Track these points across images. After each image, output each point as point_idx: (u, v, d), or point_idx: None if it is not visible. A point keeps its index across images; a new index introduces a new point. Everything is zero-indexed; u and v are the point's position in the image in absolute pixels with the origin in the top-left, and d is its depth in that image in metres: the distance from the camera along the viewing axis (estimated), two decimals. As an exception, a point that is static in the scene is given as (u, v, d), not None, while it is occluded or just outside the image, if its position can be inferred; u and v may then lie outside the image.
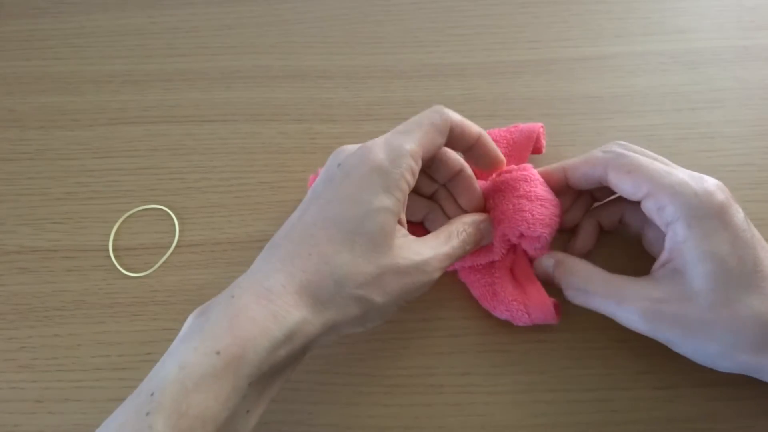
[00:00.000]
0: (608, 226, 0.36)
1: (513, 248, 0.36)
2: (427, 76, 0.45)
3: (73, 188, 0.41)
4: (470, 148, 0.33)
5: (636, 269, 0.33)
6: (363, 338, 0.35)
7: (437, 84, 0.44)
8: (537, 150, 0.39)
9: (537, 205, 0.34)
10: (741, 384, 0.34)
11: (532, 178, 0.35)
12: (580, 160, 0.33)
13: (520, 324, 0.34)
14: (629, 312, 0.30)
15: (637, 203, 0.32)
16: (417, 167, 0.29)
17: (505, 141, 0.39)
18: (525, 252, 0.36)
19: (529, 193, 0.34)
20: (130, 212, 0.39)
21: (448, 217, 0.35)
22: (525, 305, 0.33)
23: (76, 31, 0.48)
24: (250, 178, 0.41)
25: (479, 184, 0.37)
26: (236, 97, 0.44)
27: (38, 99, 0.45)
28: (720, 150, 0.41)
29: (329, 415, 0.34)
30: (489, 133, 0.39)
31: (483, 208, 0.35)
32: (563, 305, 0.35)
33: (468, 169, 0.34)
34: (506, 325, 0.35)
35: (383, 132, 0.42)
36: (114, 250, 0.39)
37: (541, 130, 0.39)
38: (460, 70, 0.45)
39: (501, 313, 0.34)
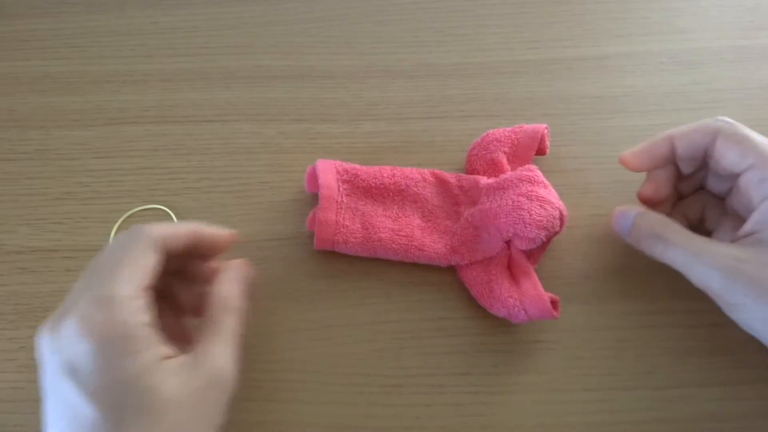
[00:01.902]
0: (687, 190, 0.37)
1: (509, 243, 0.36)
2: (427, 76, 0.45)
3: (73, 188, 0.41)
4: (191, 247, 0.30)
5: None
6: (363, 338, 0.35)
7: (437, 84, 0.44)
8: (541, 151, 0.40)
9: (536, 206, 0.34)
10: (741, 384, 0.34)
11: (537, 180, 0.35)
12: (690, 128, 0.33)
13: (518, 321, 0.34)
14: (707, 266, 0.30)
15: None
16: (145, 301, 0.26)
17: (509, 142, 0.39)
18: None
19: (530, 193, 0.34)
20: (130, 212, 0.39)
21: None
22: (521, 301, 0.33)
23: (76, 31, 0.48)
24: (250, 178, 0.41)
25: (482, 182, 0.37)
26: (236, 97, 0.44)
27: (38, 99, 0.45)
28: (720, 150, 0.41)
29: (329, 415, 0.34)
30: (492, 134, 0.39)
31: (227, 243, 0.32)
32: (562, 305, 0.35)
33: (194, 227, 0.31)
34: (506, 325, 0.35)
35: (383, 132, 0.42)
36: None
37: (546, 131, 0.39)
38: (460, 70, 0.45)
39: (498, 310, 0.34)
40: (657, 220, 0.33)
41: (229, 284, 0.30)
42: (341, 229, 0.36)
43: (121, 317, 0.24)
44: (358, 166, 0.39)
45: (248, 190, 0.41)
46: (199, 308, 0.31)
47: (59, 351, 0.24)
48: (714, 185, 0.36)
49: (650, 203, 0.35)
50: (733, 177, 0.33)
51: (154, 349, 0.25)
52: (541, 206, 0.34)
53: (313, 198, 0.39)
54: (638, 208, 0.34)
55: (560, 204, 0.35)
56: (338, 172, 0.38)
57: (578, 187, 0.40)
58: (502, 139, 0.39)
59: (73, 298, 0.26)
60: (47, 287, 0.38)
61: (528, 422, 0.33)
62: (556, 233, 0.35)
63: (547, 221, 0.33)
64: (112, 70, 0.46)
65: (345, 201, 0.37)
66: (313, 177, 0.38)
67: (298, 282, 0.37)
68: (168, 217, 0.40)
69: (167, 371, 0.25)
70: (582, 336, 0.35)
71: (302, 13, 0.48)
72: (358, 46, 0.46)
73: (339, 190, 0.37)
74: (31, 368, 0.35)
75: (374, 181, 0.38)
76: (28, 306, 0.37)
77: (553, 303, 0.34)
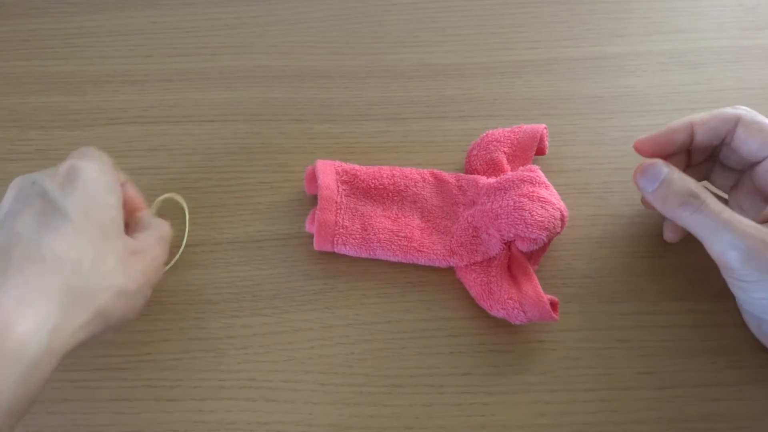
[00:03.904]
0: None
1: (509, 244, 0.36)
2: (427, 76, 0.45)
3: (73, 188, 0.41)
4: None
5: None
6: (363, 338, 0.35)
7: (437, 84, 0.44)
8: (541, 151, 0.40)
9: (538, 206, 0.34)
10: (741, 384, 0.34)
11: (538, 180, 0.35)
12: (710, 115, 0.33)
13: (517, 322, 0.34)
14: (731, 241, 0.29)
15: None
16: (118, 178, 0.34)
17: (509, 142, 0.39)
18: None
19: (532, 194, 0.34)
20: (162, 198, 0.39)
21: None
22: (521, 303, 0.33)
23: (76, 31, 0.48)
24: (250, 178, 0.41)
25: (481, 182, 0.37)
26: (236, 97, 0.44)
27: (38, 99, 0.45)
28: (720, 150, 0.41)
29: (329, 415, 0.34)
30: (492, 134, 0.39)
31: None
32: (562, 305, 0.35)
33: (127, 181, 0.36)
34: (506, 325, 0.35)
35: (383, 132, 0.42)
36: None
37: (545, 131, 0.39)
38: (460, 70, 0.45)
39: (497, 312, 0.34)
40: (692, 180, 0.31)
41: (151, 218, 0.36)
42: (340, 230, 0.36)
43: (110, 174, 0.33)
44: (357, 167, 0.39)
45: (248, 190, 0.41)
46: None
47: (49, 177, 0.31)
48: (718, 179, 0.36)
49: None
50: (744, 168, 0.33)
51: (121, 207, 0.33)
52: (542, 207, 0.34)
53: (313, 198, 0.39)
54: (658, 160, 0.32)
55: (561, 205, 0.35)
56: (337, 173, 0.38)
57: (578, 187, 0.40)
58: (502, 139, 0.39)
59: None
60: (47, 287, 0.38)
61: (528, 422, 0.33)
62: (556, 234, 0.35)
63: (549, 222, 0.33)
64: (112, 70, 0.46)
65: (344, 201, 0.37)
66: (313, 177, 0.38)
67: (298, 282, 0.37)
68: (167, 217, 0.40)
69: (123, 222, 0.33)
70: (582, 336, 0.35)
71: (302, 13, 0.48)
72: (358, 46, 0.46)
73: (338, 191, 0.37)
74: (31, 368, 0.35)
75: (373, 181, 0.38)
76: (28, 306, 0.37)
77: (553, 305, 0.34)
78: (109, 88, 0.45)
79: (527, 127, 0.39)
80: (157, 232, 0.35)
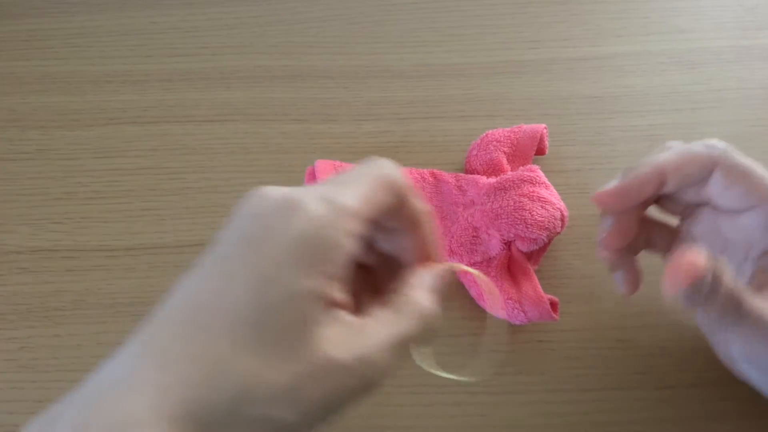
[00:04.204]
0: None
1: (509, 244, 0.36)
2: (427, 76, 0.45)
3: (73, 188, 0.41)
4: (405, 230, 0.25)
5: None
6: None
7: (437, 84, 0.44)
8: (540, 151, 0.40)
9: (538, 206, 0.34)
10: (741, 384, 0.34)
11: (538, 180, 0.35)
12: (682, 159, 0.28)
13: (517, 323, 0.34)
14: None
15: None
16: (361, 230, 0.22)
17: (508, 142, 0.39)
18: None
19: (532, 194, 0.34)
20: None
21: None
22: (520, 303, 0.33)
23: (77, 31, 0.48)
24: (250, 178, 0.41)
25: (481, 182, 0.37)
26: (236, 97, 0.44)
27: (38, 99, 0.45)
28: (720, 150, 0.41)
29: (329, 415, 0.34)
30: (492, 134, 0.39)
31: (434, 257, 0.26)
32: (562, 305, 0.35)
33: (426, 218, 0.25)
34: (506, 325, 0.35)
35: (383, 132, 0.42)
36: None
37: (545, 131, 0.39)
38: (460, 70, 0.45)
39: (497, 312, 0.34)
40: (733, 278, 0.24)
41: (426, 295, 0.24)
42: (341, 229, 0.36)
43: (333, 225, 0.21)
44: (358, 166, 0.39)
45: (248, 190, 0.40)
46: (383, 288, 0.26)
47: (261, 216, 0.22)
48: (670, 207, 0.31)
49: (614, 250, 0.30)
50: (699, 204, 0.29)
51: (335, 285, 0.21)
52: (542, 207, 0.34)
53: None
54: (701, 255, 0.24)
55: (561, 205, 0.35)
56: (337, 173, 0.38)
57: (578, 187, 0.40)
58: (502, 139, 0.39)
59: (303, 187, 0.23)
60: (47, 287, 0.38)
61: (528, 422, 0.33)
62: (556, 234, 0.35)
63: (549, 222, 0.33)
64: (112, 70, 0.46)
65: (345, 201, 0.37)
66: (313, 178, 0.38)
67: (298, 282, 0.37)
68: (169, 217, 0.40)
69: (328, 317, 0.21)
70: (582, 336, 0.35)
71: (302, 13, 0.48)
72: (358, 46, 0.46)
73: (339, 190, 0.37)
74: (31, 368, 0.36)
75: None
76: (28, 306, 0.37)
77: (553, 305, 0.34)
78: (109, 88, 0.45)
79: (527, 127, 0.39)
80: (397, 326, 0.22)
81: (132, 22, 0.48)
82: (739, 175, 0.27)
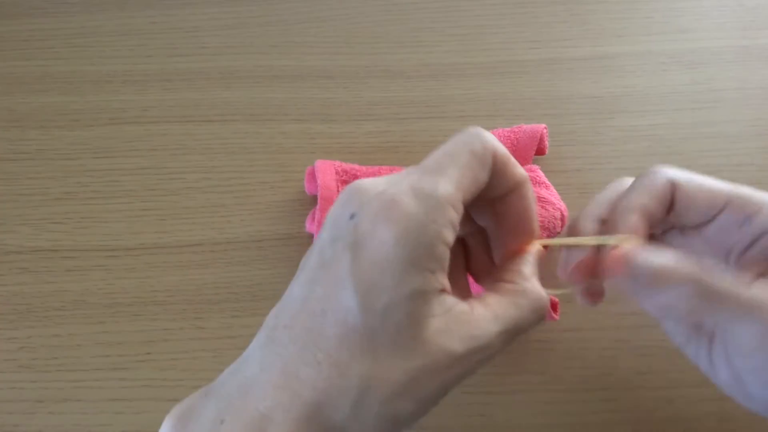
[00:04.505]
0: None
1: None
2: (427, 76, 0.45)
3: (73, 188, 0.41)
4: (503, 197, 0.25)
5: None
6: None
7: (437, 84, 0.44)
8: (540, 151, 0.40)
9: (538, 206, 0.34)
10: (741, 384, 0.34)
11: (538, 180, 0.35)
12: (645, 196, 0.27)
13: (520, 324, 0.34)
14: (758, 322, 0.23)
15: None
16: (458, 218, 0.22)
17: (509, 141, 0.39)
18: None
19: (530, 194, 0.34)
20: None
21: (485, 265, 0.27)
22: (524, 305, 0.33)
23: (76, 31, 0.48)
24: (250, 178, 0.41)
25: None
26: (236, 97, 0.44)
27: (38, 99, 0.45)
28: (720, 150, 0.41)
29: (329, 415, 0.34)
30: (492, 133, 0.39)
31: (533, 237, 0.26)
32: (562, 305, 0.35)
33: (525, 185, 0.25)
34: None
35: (383, 132, 0.42)
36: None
37: (545, 131, 0.39)
38: (460, 70, 0.45)
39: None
40: (697, 265, 0.24)
41: (538, 285, 0.24)
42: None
43: (431, 220, 0.21)
44: (357, 166, 0.39)
45: (248, 190, 0.41)
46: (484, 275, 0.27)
47: (357, 216, 0.22)
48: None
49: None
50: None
51: (440, 277, 0.21)
52: (542, 207, 0.34)
53: (313, 198, 0.39)
54: (647, 250, 0.24)
55: (561, 205, 0.35)
56: (337, 173, 0.38)
57: (578, 187, 0.40)
58: (502, 139, 0.39)
59: (396, 178, 0.23)
60: (47, 287, 0.38)
61: (528, 422, 0.33)
62: (556, 234, 0.35)
63: (549, 222, 0.33)
64: (112, 70, 0.46)
65: (345, 201, 0.37)
66: (313, 178, 0.38)
67: (298, 282, 0.37)
68: (168, 217, 0.40)
69: (436, 307, 0.21)
70: (582, 336, 0.35)
71: (302, 13, 0.48)
72: (358, 46, 0.46)
73: (338, 191, 0.37)
74: (31, 368, 0.36)
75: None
76: (28, 306, 0.37)
77: (553, 305, 0.34)
78: (109, 88, 0.45)
79: (527, 127, 0.39)
80: (513, 316, 0.23)
81: (132, 22, 0.48)
82: (698, 187, 0.27)
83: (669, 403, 0.33)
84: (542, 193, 0.34)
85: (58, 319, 0.37)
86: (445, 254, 0.21)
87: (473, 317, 0.22)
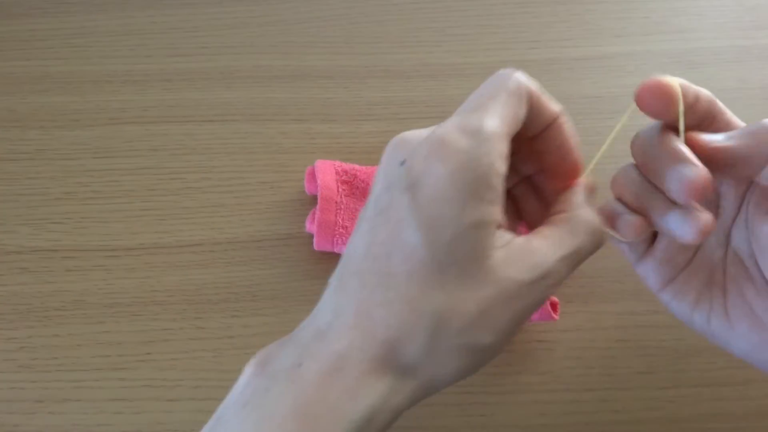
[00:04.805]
0: None
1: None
2: (427, 76, 0.45)
3: (73, 188, 0.41)
4: (542, 133, 0.25)
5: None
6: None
7: (437, 84, 0.44)
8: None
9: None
10: (741, 384, 0.34)
11: None
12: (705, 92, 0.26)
13: (520, 324, 0.34)
14: None
15: None
16: (507, 149, 0.22)
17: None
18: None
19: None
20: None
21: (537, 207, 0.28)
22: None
23: (76, 31, 0.48)
24: (250, 178, 0.41)
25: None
26: (236, 97, 0.44)
27: (38, 99, 0.45)
28: (720, 150, 0.41)
29: (329, 415, 0.34)
30: None
31: (579, 169, 0.26)
32: (562, 305, 0.35)
33: (562, 116, 0.25)
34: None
35: (383, 132, 0.42)
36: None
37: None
38: (460, 70, 0.45)
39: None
40: None
41: (589, 209, 0.25)
42: (340, 230, 0.36)
43: (485, 153, 0.21)
44: (357, 166, 0.39)
45: (248, 190, 0.41)
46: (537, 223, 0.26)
47: (411, 162, 0.22)
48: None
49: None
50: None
51: (499, 208, 0.22)
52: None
53: (313, 198, 0.39)
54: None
55: None
56: (337, 173, 0.38)
57: (578, 187, 0.40)
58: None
59: (439, 124, 0.23)
60: (47, 287, 0.38)
61: (528, 422, 0.33)
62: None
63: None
64: (112, 70, 0.46)
65: (344, 201, 0.37)
66: (313, 178, 0.38)
67: (298, 282, 0.37)
68: (168, 217, 0.40)
69: (498, 240, 0.22)
70: (582, 336, 0.35)
71: (302, 13, 0.48)
72: (358, 46, 0.46)
73: (338, 191, 0.37)
74: (31, 368, 0.36)
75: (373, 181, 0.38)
76: (28, 306, 0.37)
77: (553, 305, 0.34)
78: (109, 88, 0.45)
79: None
80: (570, 242, 0.23)
81: (132, 22, 0.48)
82: (730, 118, 0.26)
83: (669, 403, 0.33)
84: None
85: (58, 319, 0.37)
86: (500, 186, 0.22)
87: (533, 247, 0.22)
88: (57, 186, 0.41)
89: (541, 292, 0.22)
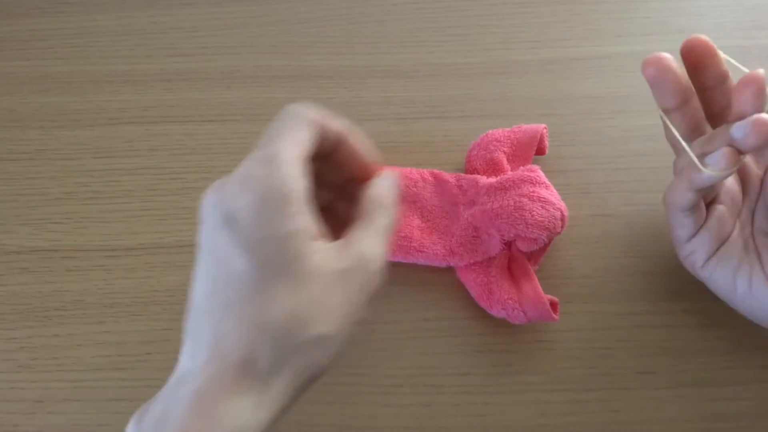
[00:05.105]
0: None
1: (509, 244, 0.36)
2: (427, 76, 0.45)
3: (73, 188, 0.41)
4: (338, 148, 0.29)
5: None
6: (362, 338, 0.35)
7: (437, 84, 0.44)
8: (540, 151, 0.40)
9: (538, 206, 0.34)
10: (740, 384, 0.34)
11: (538, 180, 0.35)
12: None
13: (517, 323, 0.34)
14: None
15: None
16: (304, 167, 0.26)
17: (508, 141, 0.39)
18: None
19: (532, 194, 0.34)
20: None
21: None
22: (520, 303, 0.33)
23: (76, 31, 0.48)
24: (250, 178, 0.41)
25: (481, 181, 0.37)
26: (236, 97, 0.44)
27: (38, 99, 0.45)
28: (720, 150, 0.41)
29: (329, 415, 0.34)
30: (492, 134, 0.39)
31: (376, 169, 0.30)
32: (562, 305, 0.35)
33: (350, 130, 0.29)
34: (506, 325, 0.35)
35: (383, 132, 0.42)
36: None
37: (545, 131, 0.39)
38: (460, 70, 0.45)
39: (497, 312, 0.34)
40: None
41: (382, 186, 0.29)
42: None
43: (281, 175, 0.24)
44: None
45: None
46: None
47: (221, 203, 0.25)
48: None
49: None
50: None
51: (309, 218, 0.25)
52: (542, 207, 0.34)
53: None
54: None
55: (562, 205, 0.35)
56: None
57: (578, 187, 0.40)
58: (502, 139, 0.39)
59: (240, 163, 0.26)
60: (47, 287, 0.38)
61: (528, 422, 0.33)
62: (557, 234, 0.35)
63: (549, 222, 0.33)
64: (112, 70, 0.46)
65: (345, 201, 0.37)
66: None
67: (298, 282, 0.37)
68: (168, 217, 0.40)
69: (315, 245, 0.25)
70: (582, 336, 0.35)
71: (302, 13, 0.48)
72: (358, 46, 0.46)
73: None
74: (31, 368, 0.36)
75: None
76: (28, 306, 0.37)
77: (553, 305, 0.34)
78: (109, 88, 0.45)
79: (527, 127, 0.39)
80: (377, 221, 0.27)
81: (132, 22, 0.48)
82: None
83: (669, 403, 0.33)
84: (542, 193, 0.34)
85: (58, 319, 0.37)
86: (301, 199, 0.25)
87: (347, 240, 0.26)
88: (57, 186, 0.41)
89: (365, 271, 0.26)
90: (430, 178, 0.39)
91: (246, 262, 0.24)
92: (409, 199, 0.38)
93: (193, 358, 0.24)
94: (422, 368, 0.35)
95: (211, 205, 0.25)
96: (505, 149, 0.38)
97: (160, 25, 0.48)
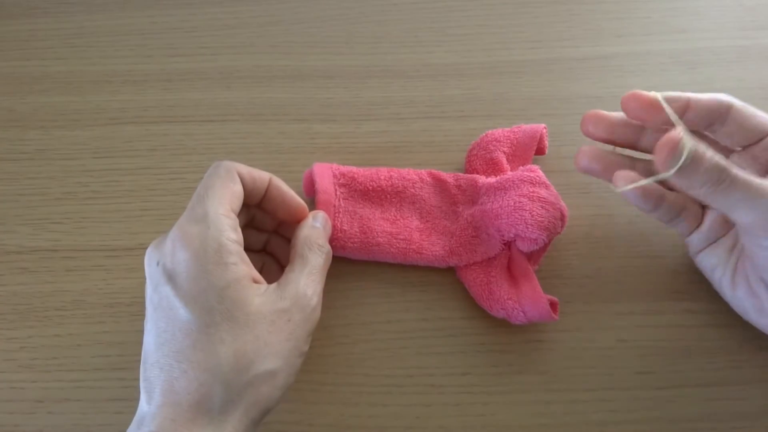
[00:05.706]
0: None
1: (509, 244, 0.36)
2: (427, 76, 0.45)
3: (73, 188, 0.41)
4: (266, 195, 0.32)
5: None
6: (363, 338, 0.35)
7: (437, 84, 0.44)
8: (540, 151, 0.40)
9: (538, 206, 0.34)
10: (741, 384, 0.34)
11: (538, 180, 0.35)
12: (705, 96, 0.32)
13: (517, 322, 0.34)
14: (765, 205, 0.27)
15: None
16: (234, 221, 0.28)
17: (508, 141, 0.39)
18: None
19: (532, 194, 0.34)
20: None
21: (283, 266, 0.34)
22: (520, 303, 0.33)
23: (76, 31, 0.48)
24: (250, 178, 0.41)
25: (480, 181, 0.37)
26: (236, 97, 0.44)
27: (38, 99, 0.45)
28: (720, 150, 0.41)
29: (329, 415, 0.34)
30: (492, 134, 0.39)
31: (305, 211, 0.34)
32: (562, 305, 0.35)
33: (274, 178, 0.33)
34: (506, 324, 0.35)
35: (383, 132, 0.42)
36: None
37: (545, 131, 0.39)
38: (460, 70, 0.45)
39: (497, 312, 0.34)
40: (713, 151, 0.27)
41: (311, 227, 0.32)
42: (339, 234, 0.36)
43: (214, 230, 0.27)
44: (354, 169, 0.38)
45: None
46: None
47: (161, 261, 0.27)
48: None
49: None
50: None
51: (244, 267, 0.27)
52: (542, 207, 0.34)
53: (313, 200, 0.39)
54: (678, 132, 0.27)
55: (561, 205, 0.35)
56: (335, 176, 0.38)
57: (578, 187, 0.40)
58: (502, 139, 0.39)
59: (175, 224, 0.28)
60: (47, 287, 0.38)
61: (528, 422, 0.33)
62: (556, 234, 0.35)
63: (549, 222, 0.33)
64: (112, 70, 0.46)
65: (342, 205, 0.37)
66: (311, 181, 0.38)
67: (297, 282, 0.37)
68: (168, 217, 0.40)
69: (254, 290, 0.27)
70: (582, 336, 0.35)
71: (302, 13, 0.48)
72: (358, 46, 0.46)
73: (336, 194, 0.37)
74: (31, 368, 0.36)
75: (371, 183, 0.38)
76: (28, 306, 0.37)
77: (553, 305, 0.34)
78: (109, 88, 0.45)
79: (527, 127, 0.39)
80: (311, 261, 0.30)
81: (132, 22, 0.48)
82: (751, 110, 0.32)
83: (669, 403, 0.33)
84: (542, 193, 0.34)
85: (58, 319, 0.37)
86: (236, 250, 0.27)
87: (283, 282, 0.29)
88: (57, 186, 0.41)
89: (303, 309, 0.28)
90: (428, 178, 0.39)
91: (189, 312, 0.26)
92: (407, 200, 0.38)
93: (150, 403, 0.26)
94: (422, 368, 0.35)
95: (154, 262, 0.28)
96: (505, 149, 0.38)
97: (160, 25, 0.48)
